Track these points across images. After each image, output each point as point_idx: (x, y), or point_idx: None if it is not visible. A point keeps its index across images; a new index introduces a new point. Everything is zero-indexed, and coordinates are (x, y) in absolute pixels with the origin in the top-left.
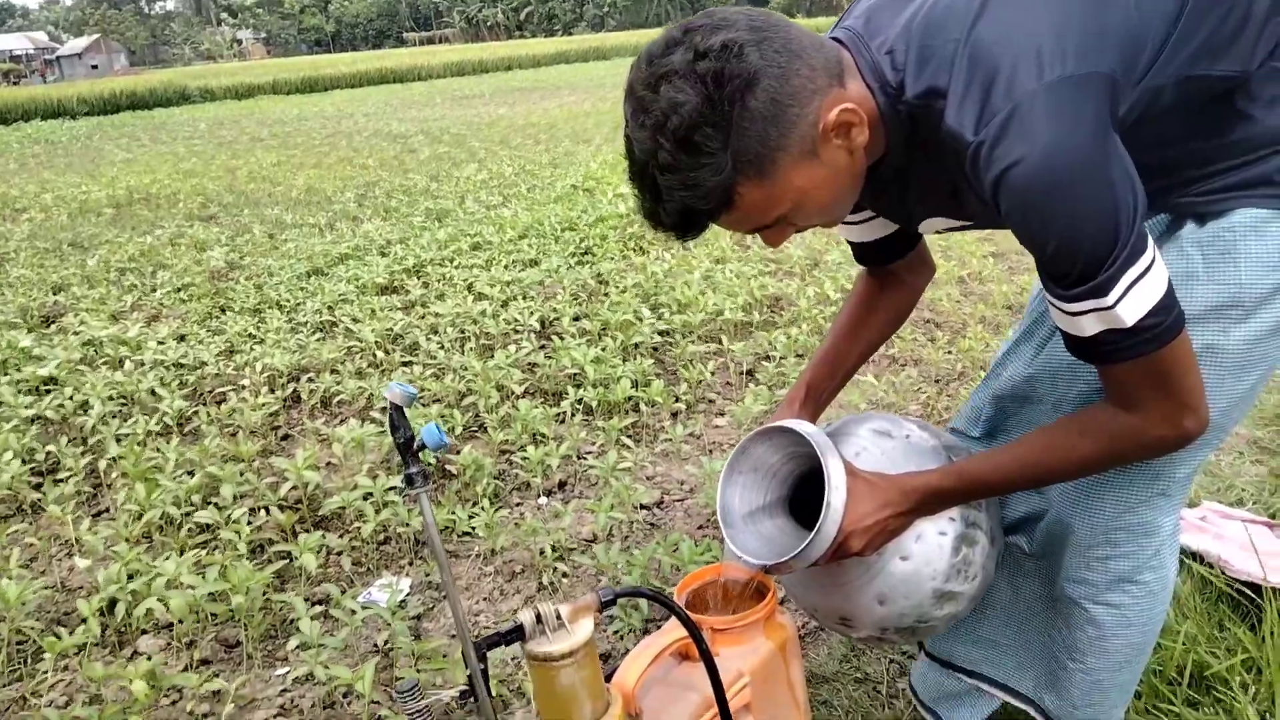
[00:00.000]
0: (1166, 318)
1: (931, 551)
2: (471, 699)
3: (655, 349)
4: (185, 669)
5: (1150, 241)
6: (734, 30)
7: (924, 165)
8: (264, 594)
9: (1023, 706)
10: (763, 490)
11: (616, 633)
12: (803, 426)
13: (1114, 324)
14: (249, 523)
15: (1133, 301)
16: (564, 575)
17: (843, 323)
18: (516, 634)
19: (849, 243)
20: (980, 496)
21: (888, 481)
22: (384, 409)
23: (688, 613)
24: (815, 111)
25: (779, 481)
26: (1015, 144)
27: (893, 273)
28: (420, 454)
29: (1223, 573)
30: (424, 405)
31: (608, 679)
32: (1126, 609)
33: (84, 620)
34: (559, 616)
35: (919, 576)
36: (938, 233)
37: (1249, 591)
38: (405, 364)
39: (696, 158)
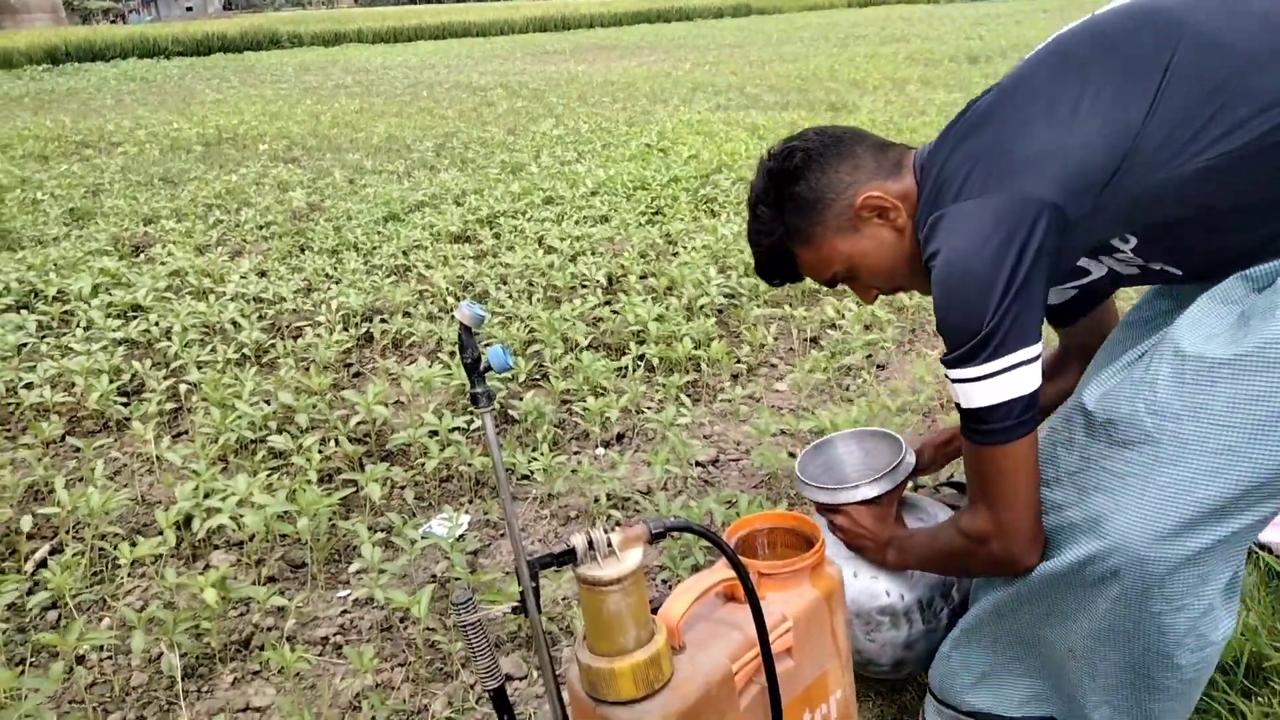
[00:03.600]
0: (999, 424)
1: (864, 590)
2: (523, 614)
3: (720, 310)
4: (253, 584)
5: (1023, 356)
6: (803, 140)
7: None
8: (330, 519)
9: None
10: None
11: (664, 581)
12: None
13: (960, 400)
14: (319, 451)
15: (974, 390)
16: (617, 523)
17: None
18: (568, 556)
19: None
20: (918, 569)
21: (892, 524)
22: (452, 352)
23: (731, 549)
24: (850, 198)
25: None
26: (934, 242)
27: (1076, 346)
28: (486, 375)
29: None
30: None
31: (654, 611)
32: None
33: (161, 532)
34: (610, 544)
35: (853, 594)
36: None
37: None
38: None
39: (759, 224)
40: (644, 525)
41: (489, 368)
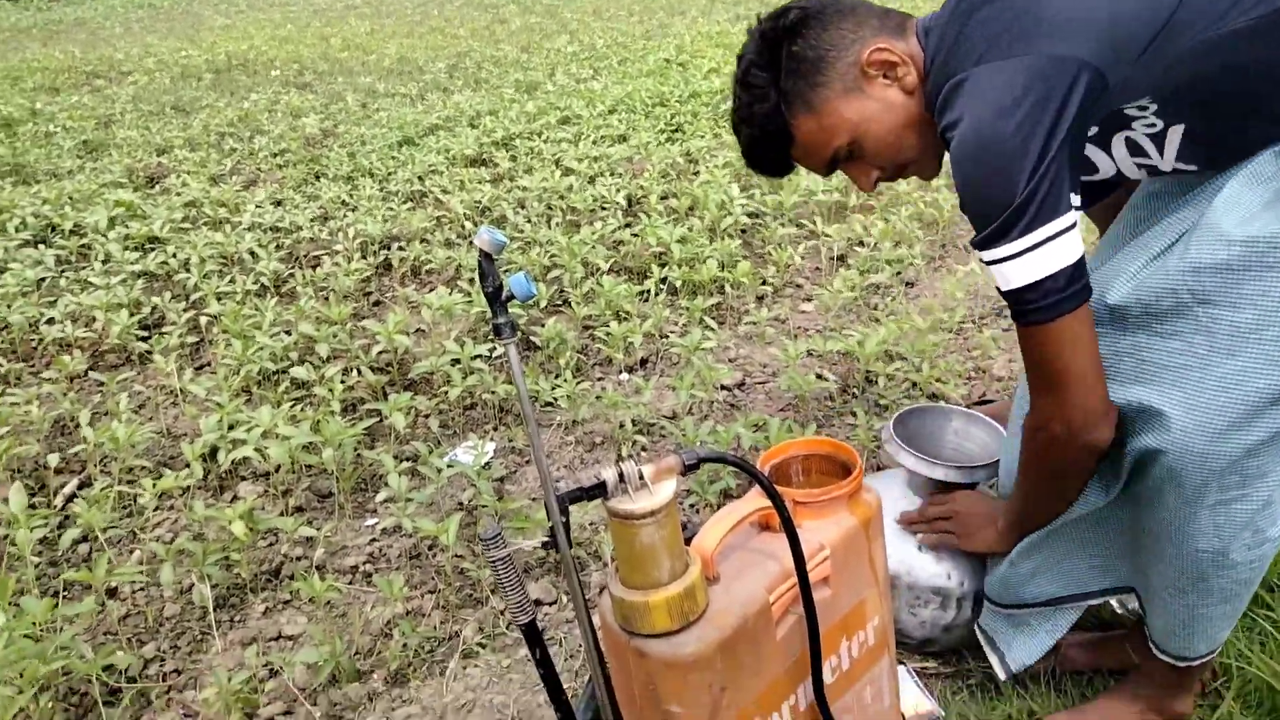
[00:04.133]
0: (1044, 300)
1: (924, 566)
2: (553, 549)
3: (744, 230)
4: (281, 514)
5: (1061, 224)
6: (801, 2)
7: None
8: (355, 449)
9: (1107, 600)
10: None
11: (693, 506)
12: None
13: (1001, 282)
14: (342, 382)
15: (1013, 269)
16: (643, 449)
17: None
18: (599, 490)
19: None
20: (1029, 530)
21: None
22: (471, 279)
23: (766, 478)
24: (855, 53)
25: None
26: (954, 109)
27: (1096, 217)
28: (509, 304)
29: None
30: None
31: (687, 542)
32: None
33: (187, 464)
34: (641, 476)
35: (909, 565)
36: None
37: None
38: None
39: (750, 93)
40: (676, 456)
41: (511, 296)
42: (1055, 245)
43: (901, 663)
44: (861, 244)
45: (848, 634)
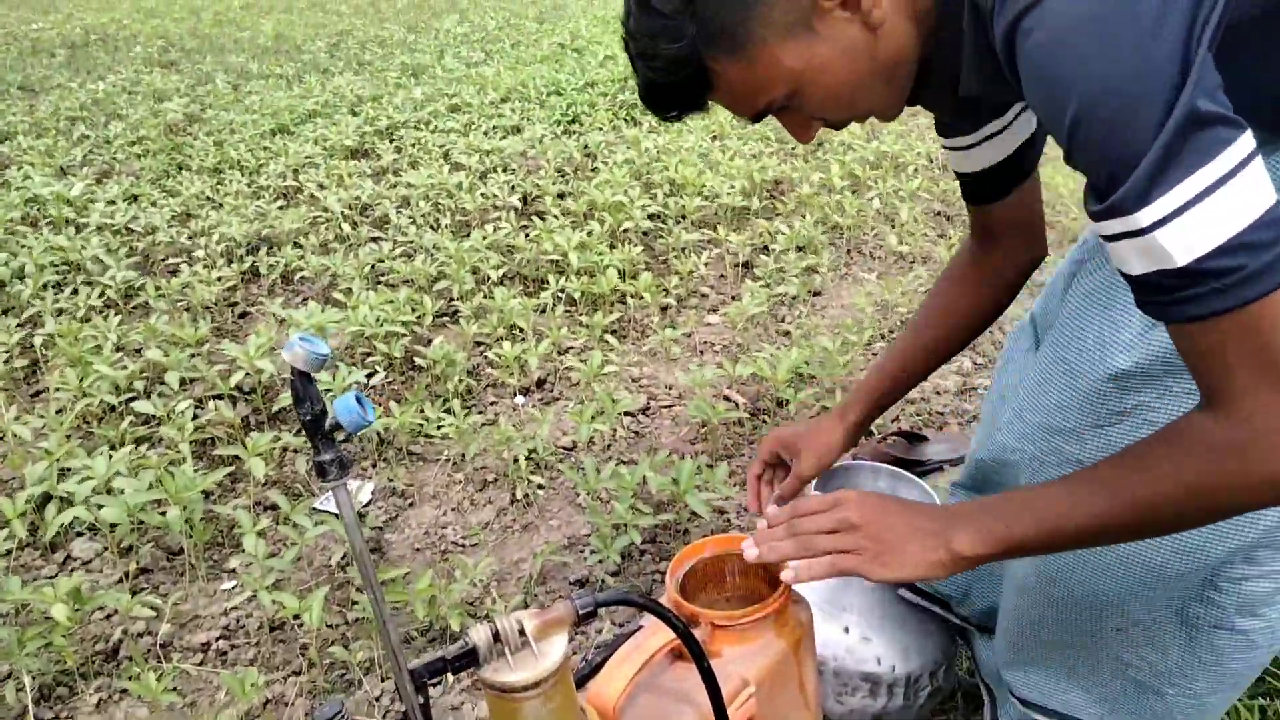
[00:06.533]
0: (1250, 261)
1: (851, 651)
2: None
3: (645, 234)
4: (122, 579)
5: (1248, 143)
6: None
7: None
8: (208, 499)
9: None
10: None
11: (594, 553)
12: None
13: (1160, 261)
14: (195, 417)
15: (1184, 230)
16: (540, 487)
17: (925, 306)
18: (468, 659)
19: (956, 175)
20: (1038, 539)
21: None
22: (348, 290)
23: (679, 618)
24: None
25: None
26: None
27: (994, 231)
28: (335, 435)
29: None
30: (392, 288)
31: (584, 682)
32: (1255, 634)
33: (7, 522)
34: (523, 632)
35: (835, 649)
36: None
37: None
38: (374, 239)
39: (655, 21)
40: (568, 604)
41: (338, 425)
42: (1251, 175)
43: None
44: (766, 251)
45: None
